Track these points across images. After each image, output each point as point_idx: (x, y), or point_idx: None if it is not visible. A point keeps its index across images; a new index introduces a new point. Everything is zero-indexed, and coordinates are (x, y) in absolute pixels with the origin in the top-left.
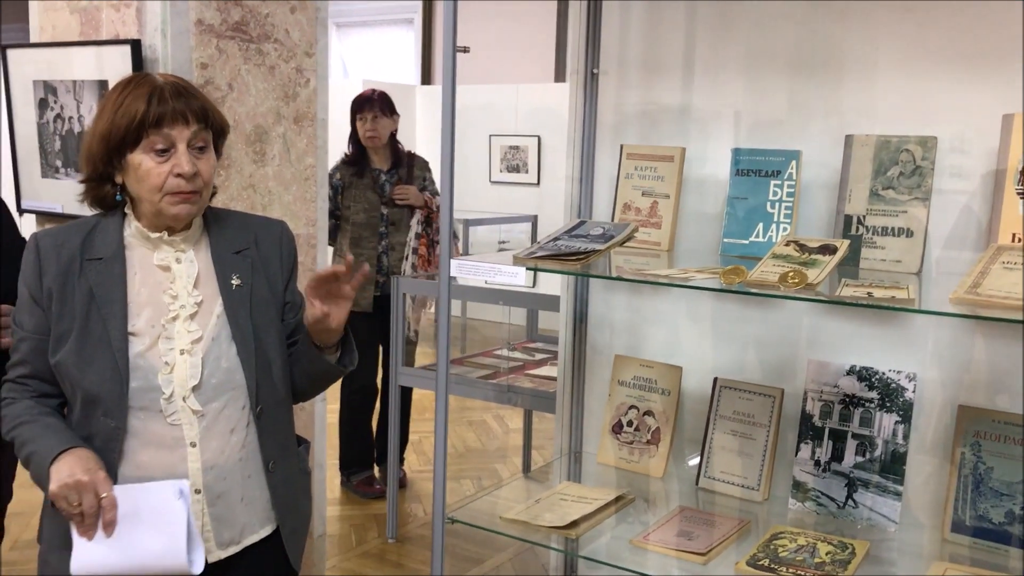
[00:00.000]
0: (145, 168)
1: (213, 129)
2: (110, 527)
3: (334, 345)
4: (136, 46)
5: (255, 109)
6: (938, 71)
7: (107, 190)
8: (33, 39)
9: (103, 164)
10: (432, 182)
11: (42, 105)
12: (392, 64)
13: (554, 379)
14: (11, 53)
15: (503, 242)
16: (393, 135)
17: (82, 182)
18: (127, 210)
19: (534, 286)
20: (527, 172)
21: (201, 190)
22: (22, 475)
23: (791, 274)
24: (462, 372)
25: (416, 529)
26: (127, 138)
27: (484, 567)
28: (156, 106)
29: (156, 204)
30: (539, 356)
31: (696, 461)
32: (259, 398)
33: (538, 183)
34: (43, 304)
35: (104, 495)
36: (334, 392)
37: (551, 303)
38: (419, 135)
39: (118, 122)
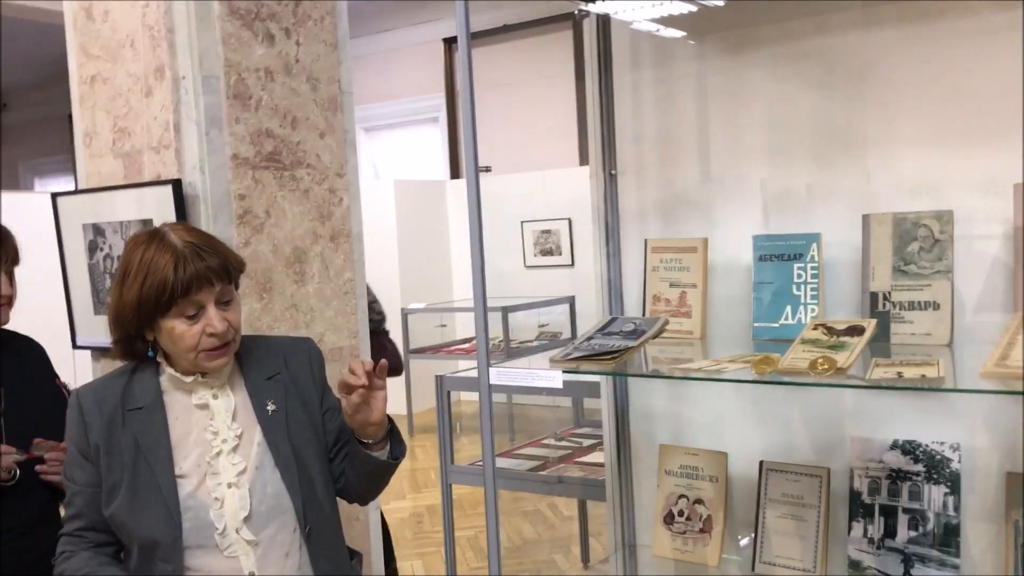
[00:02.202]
0: (179, 332)
1: (234, 279)
2: None
3: (382, 439)
4: (177, 185)
5: (292, 232)
6: (951, 144)
7: (138, 346)
8: (81, 186)
9: (135, 329)
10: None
11: (92, 247)
12: (421, 162)
13: (604, 465)
14: (60, 200)
15: (543, 325)
16: None
17: (115, 342)
18: (159, 358)
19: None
20: (560, 254)
21: (233, 338)
22: None
23: (820, 360)
24: (511, 465)
25: None
26: (158, 307)
27: None
28: (182, 275)
29: (192, 360)
30: (587, 443)
31: (749, 544)
32: (307, 518)
33: (572, 264)
34: (92, 459)
35: None
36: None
37: (592, 389)
38: (452, 226)
39: (147, 292)
